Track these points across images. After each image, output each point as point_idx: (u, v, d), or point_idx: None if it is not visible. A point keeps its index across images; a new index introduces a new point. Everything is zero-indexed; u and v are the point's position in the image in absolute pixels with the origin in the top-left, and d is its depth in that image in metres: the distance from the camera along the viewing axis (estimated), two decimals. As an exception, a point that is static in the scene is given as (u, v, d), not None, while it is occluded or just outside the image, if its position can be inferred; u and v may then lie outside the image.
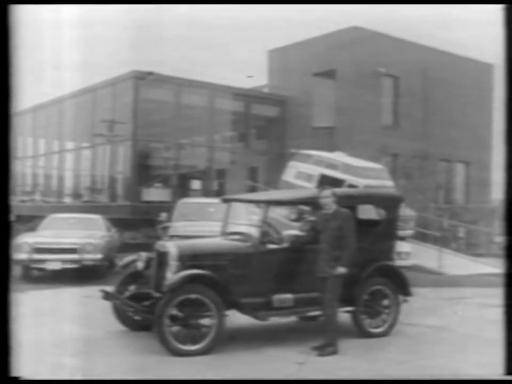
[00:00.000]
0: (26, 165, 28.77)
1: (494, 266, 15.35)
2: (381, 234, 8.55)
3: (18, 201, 26.83)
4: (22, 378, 3.42)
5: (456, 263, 16.87)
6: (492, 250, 20.99)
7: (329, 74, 23.58)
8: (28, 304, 9.25)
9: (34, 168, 28.82)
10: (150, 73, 20.89)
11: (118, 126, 22.61)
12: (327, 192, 7.56)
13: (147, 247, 8.99)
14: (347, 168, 17.04)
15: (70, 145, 26.37)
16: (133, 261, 8.38)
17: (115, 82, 22.31)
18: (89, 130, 24.13)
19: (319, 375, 6.31)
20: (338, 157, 18.09)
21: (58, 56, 17.84)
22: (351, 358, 7.00)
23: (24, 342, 4.24)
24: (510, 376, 3.03)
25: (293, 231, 8.60)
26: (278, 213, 12.18)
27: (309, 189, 14.83)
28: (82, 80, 22.32)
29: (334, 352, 7.11)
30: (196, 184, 22.99)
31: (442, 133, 24.79)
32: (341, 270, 7.17)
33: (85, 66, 20.71)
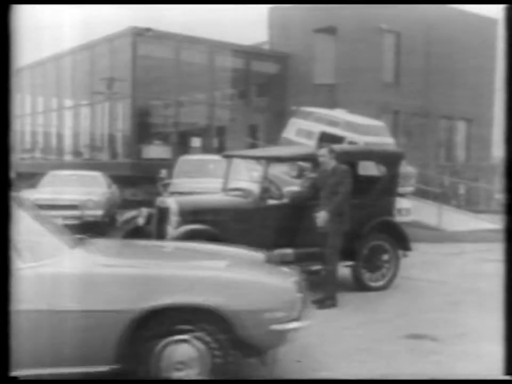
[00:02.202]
0: (25, 123, 28.63)
1: (494, 223, 15.42)
2: (381, 190, 8.57)
3: (18, 159, 26.80)
4: (22, 379, 3.49)
5: (456, 220, 16.95)
6: (491, 207, 21.06)
7: (330, 30, 23.25)
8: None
9: (33, 125, 28.69)
10: (148, 30, 20.56)
11: (116, 84, 22.41)
12: (324, 151, 7.55)
13: (148, 203, 9.02)
14: (348, 125, 16.94)
15: (68, 102, 26.18)
16: (134, 217, 8.41)
17: (113, 38, 21.99)
18: (88, 87, 23.92)
19: (318, 328, 6.38)
20: (339, 114, 17.96)
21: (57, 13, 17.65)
22: (350, 311, 7.09)
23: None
24: (510, 376, 3.07)
25: (294, 187, 8.62)
26: (279, 170, 12.18)
27: (309, 146, 14.78)
28: (80, 37, 22.15)
29: (333, 305, 7.20)
30: (196, 142, 22.87)
31: (444, 90, 24.55)
32: (323, 214, 7.18)
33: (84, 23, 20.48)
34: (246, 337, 4.01)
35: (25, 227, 4.12)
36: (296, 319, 4.22)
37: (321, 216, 7.18)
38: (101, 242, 5.29)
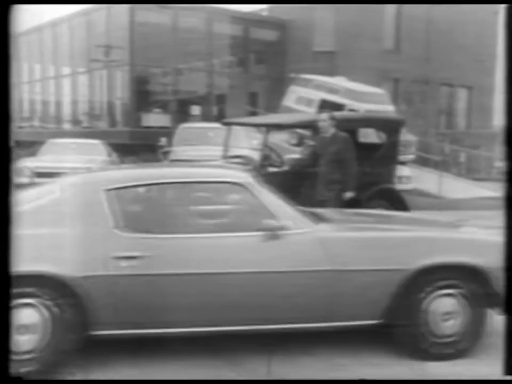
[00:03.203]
0: (22, 91, 28.40)
1: (494, 190, 15.42)
2: (382, 157, 8.54)
3: (16, 127, 26.66)
4: (22, 378, 3.52)
5: (456, 187, 16.93)
6: (492, 175, 21.05)
7: (329, -4, 22.96)
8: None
9: (31, 94, 28.47)
10: (145, -5, 20.30)
11: (114, 51, 22.19)
12: (325, 115, 7.52)
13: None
14: (348, 93, 16.87)
15: (66, 70, 25.94)
16: (134, 185, 8.38)
17: (110, 4, 21.71)
18: (86, 55, 23.70)
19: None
20: (339, 81, 17.88)
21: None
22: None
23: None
24: (510, 376, 3.10)
25: (294, 155, 8.61)
26: (279, 138, 12.15)
27: (310, 113, 14.72)
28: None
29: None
30: (195, 110, 22.77)
31: (445, 57, 24.34)
32: (348, 194, 7.25)
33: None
34: (498, 290, 4.35)
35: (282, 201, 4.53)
36: None
37: (348, 197, 7.28)
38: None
